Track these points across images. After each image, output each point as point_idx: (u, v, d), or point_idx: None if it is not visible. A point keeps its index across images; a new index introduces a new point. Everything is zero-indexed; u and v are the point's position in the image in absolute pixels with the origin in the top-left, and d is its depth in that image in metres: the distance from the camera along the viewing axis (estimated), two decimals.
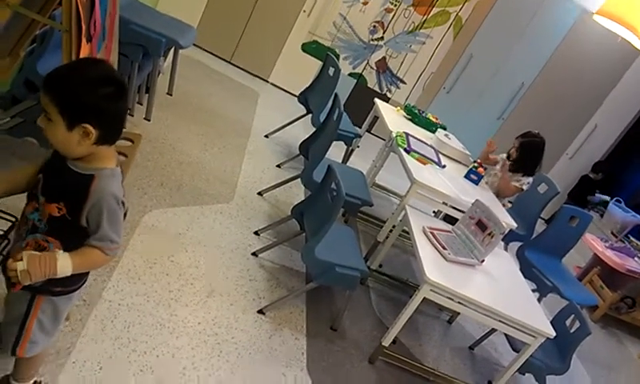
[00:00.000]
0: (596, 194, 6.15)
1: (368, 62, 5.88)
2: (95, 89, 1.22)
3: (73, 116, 1.21)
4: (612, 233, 5.55)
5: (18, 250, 1.34)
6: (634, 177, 6.57)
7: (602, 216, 5.96)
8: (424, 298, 2.40)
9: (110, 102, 1.24)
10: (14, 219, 1.79)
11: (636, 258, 4.82)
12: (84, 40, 1.69)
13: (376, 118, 4.24)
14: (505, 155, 3.78)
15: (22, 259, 1.22)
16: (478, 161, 3.63)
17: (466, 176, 3.50)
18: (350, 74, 5.91)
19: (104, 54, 2.06)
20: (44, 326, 1.43)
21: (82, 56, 1.70)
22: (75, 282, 1.39)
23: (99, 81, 1.23)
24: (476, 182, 3.48)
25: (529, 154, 3.56)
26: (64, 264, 1.27)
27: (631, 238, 5.43)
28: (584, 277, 4.76)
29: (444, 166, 3.39)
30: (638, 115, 6.28)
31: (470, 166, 3.56)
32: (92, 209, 1.28)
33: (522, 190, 3.61)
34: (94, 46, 1.84)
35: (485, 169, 3.64)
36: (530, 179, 3.60)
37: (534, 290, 3.40)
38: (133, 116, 3.51)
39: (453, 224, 2.93)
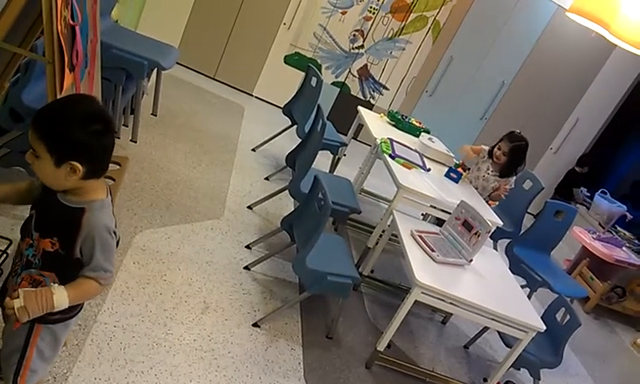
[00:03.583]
0: (581, 190, 6.26)
1: (350, 71, 5.95)
2: (82, 127, 1.24)
3: (60, 153, 1.23)
4: (599, 224, 5.63)
5: (13, 286, 1.37)
6: (619, 167, 6.69)
7: (588, 208, 6.05)
8: (416, 300, 2.44)
9: (96, 138, 1.26)
10: (4, 247, 1.82)
11: (624, 248, 4.90)
12: (67, 70, 1.72)
13: (361, 125, 4.30)
14: (486, 148, 3.81)
15: (18, 297, 1.24)
16: (461, 162, 3.70)
17: (446, 175, 3.56)
18: (333, 83, 5.97)
19: (87, 81, 2.09)
20: (43, 354, 1.45)
21: (65, 85, 1.73)
22: (72, 308, 1.40)
23: (86, 118, 1.25)
24: (455, 180, 3.54)
25: (517, 158, 3.63)
26: (60, 297, 1.29)
27: (618, 228, 5.52)
28: (574, 269, 4.83)
29: (429, 170, 3.45)
30: (619, 106, 6.40)
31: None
32: (85, 241, 1.31)
33: (512, 188, 3.68)
34: (77, 74, 1.87)
35: (468, 169, 3.70)
36: (515, 177, 3.68)
37: (524, 286, 3.46)
38: (119, 138, 3.54)
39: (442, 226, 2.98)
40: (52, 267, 1.34)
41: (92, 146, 1.26)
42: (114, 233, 1.36)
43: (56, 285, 1.31)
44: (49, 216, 1.34)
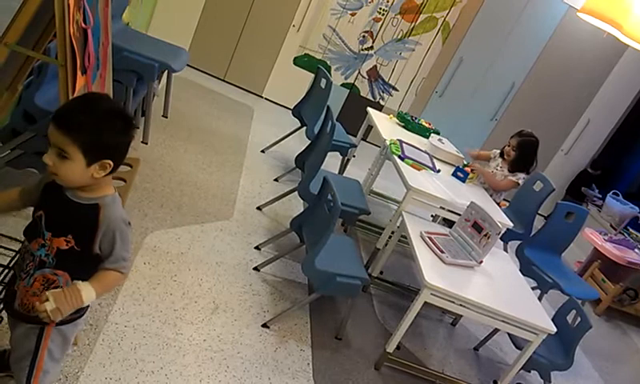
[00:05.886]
0: (593, 188, 6.21)
1: (359, 72, 5.95)
2: (114, 125, 1.29)
3: (95, 154, 1.27)
4: (611, 225, 5.58)
5: (26, 288, 1.39)
6: (631, 168, 6.62)
7: (599, 209, 6.00)
8: (425, 302, 2.43)
9: (123, 136, 1.32)
10: (17, 247, 1.85)
11: (636, 250, 4.85)
12: (79, 72, 1.74)
13: (370, 126, 4.30)
14: (497, 151, 3.83)
15: (47, 300, 1.28)
16: (471, 164, 3.70)
17: (453, 174, 3.56)
18: (343, 85, 5.97)
19: (99, 83, 2.12)
20: (54, 355, 1.47)
21: (77, 88, 1.76)
22: (80, 309, 1.42)
23: (116, 116, 1.30)
24: (462, 180, 3.53)
25: (527, 153, 3.63)
26: (88, 293, 1.33)
27: (630, 230, 5.46)
28: (585, 271, 4.79)
29: (438, 171, 3.44)
30: (631, 107, 6.34)
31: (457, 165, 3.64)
32: (104, 236, 1.35)
33: (518, 184, 3.66)
34: (89, 76, 1.90)
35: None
36: (524, 175, 3.67)
37: (534, 288, 3.44)
38: None
39: (451, 227, 2.98)
40: (66, 265, 1.37)
41: (121, 143, 1.32)
42: (129, 223, 1.40)
43: (80, 281, 1.34)
44: (61, 215, 1.35)
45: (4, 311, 1.52)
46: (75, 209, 1.33)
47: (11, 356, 1.52)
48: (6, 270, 1.89)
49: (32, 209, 1.43)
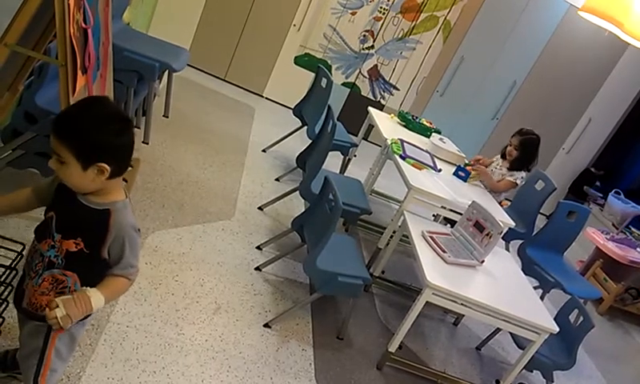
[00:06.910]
0: (596, 185, 6.21)
1: (360, 71, 5.94)
2: (106, 128, 1.28)
3: (88, 157, 1.26)
4: (613, 224, 5.57)
5: (34, 287, 1.39)
6: (633, 167, 6.61)
7: (601, 208, 5.99)
8: (427, 301, 2.43)
9: (119, 138, 1.31)
10: (19, 248, 1.84)
11: (638, 249, 4.84)
12: (79, 72, 1.74)
13: (371, 126, 4.29)
14: (499, 155, 3.82)
15: (57, 306, 1.28)
16: (472, 161, 3.69)
17: (455, 174, 3.55)
18: (344, 84, 5.97)
19: (99, 83, 2.11)
20: (61, 354, 1.48)
21: (78, 87, 1.75)
22: None
23: (108, 120, 1.30)
24: (464, 179, 3.53)
25: (529, 152, 3.62)
26: (97, 300, 1.34)
27: (632, 229, 5.45)
28: (587, 270, 4.78)
29: (440, 170, 3.44)
30: (633, 105, 6.32)
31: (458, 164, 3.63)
32: (114, 242, 1.35)
33: (517, 184, 3.65)
34: (90, 76, 1.89)
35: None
36: (524, 174, 3.65)
37: (536, 287, 3.44)
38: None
39: (453, 226, 2.97)
40: (74, 267, 1.38)
41: (115, 146, 1.30)
42: (138, 230, 1.41)
43: (89, 288, 1.35)
44: (72, 218, 1.36)
45: (8, 311, 1.52)
46: (86, 213, 1.34)
47: (19, 353, 1.53)
48: (8, 271, 1.88)
49: (33, 210, 1.43)
